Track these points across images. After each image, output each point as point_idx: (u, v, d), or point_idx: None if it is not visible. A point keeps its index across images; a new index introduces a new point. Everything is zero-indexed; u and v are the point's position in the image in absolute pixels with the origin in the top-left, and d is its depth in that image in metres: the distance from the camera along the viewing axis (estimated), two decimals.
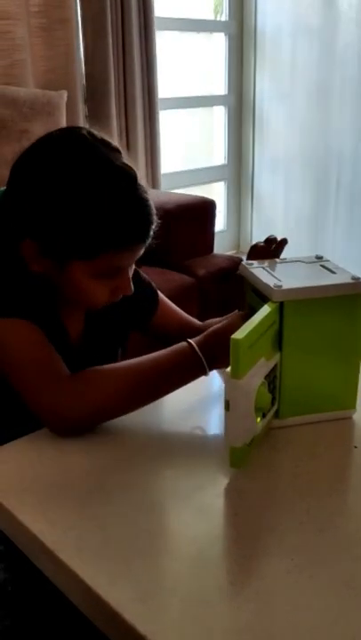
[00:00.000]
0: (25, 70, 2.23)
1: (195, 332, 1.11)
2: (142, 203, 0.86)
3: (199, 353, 0.86)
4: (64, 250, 0.85)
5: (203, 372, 0.87)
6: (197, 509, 0.72)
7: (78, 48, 2.42)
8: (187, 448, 0.85)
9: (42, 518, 0.70)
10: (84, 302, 0.94)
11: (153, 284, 1.13)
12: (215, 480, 0.78)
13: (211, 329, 0.90)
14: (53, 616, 0.82)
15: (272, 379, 0.82)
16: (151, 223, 0.87)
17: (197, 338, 0.89)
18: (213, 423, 0.94)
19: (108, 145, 0.87)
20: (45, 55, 2.34)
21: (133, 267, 0.93)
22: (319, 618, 0.57)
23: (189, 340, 0.88)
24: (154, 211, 0.88)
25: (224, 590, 0.60)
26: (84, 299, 0.92)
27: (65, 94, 2.22)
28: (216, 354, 0.87)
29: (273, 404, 0.84)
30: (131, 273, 0.92)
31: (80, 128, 0.88)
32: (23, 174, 0.86)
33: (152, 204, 0.88)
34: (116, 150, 0.88)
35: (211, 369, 0.88)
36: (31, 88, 2.23)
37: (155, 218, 0.88)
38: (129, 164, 0.87)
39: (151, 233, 0.88)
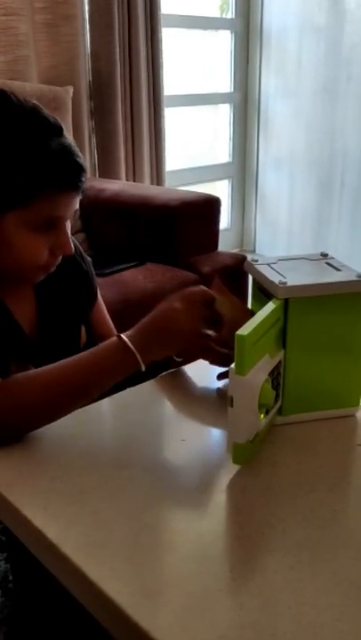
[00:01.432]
0: (29, 66, 2.23)
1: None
2: (68, 148, 0.87)
3: (131, 347, 0.82)
4: None
5: (137, 366, 0.83)
6: (200, 505, 0.72)
7: (84, 44, 2.42)
8: (190, 444, 0.85)
9: (44, 512, 0.70)
10: (25, 262, 0.91)
11: (95, 280, 1.12)
12: (218, 476, 0.78)
13: (144, 320, 0.86)
14: (54, 606, 0.82)
15: (276, 375, 0.82)
16: (80, 168, 0.88)
17: (129, 331, 0.85)
18: (216, 419, 0.94)
19: (27, 102, 0.88)
20: (50, 51, 2.34)
21: (69, 226, 0.93)
22: (322, 614, 0.57)
23: (120, 335, 0.84)
24: (82, 159, 0.89)
25: (227, 586, 0.60)
26: (24, 256, 0.89)
27: (71, 90, 2.22)
28: (152, 345, 0.84)
29: (277, 400, 0.84)
30: (68, 230, 0.92)
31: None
32: None
33: (80, 154, 0.89)
34: (37, 107, 0.89)
35: (147, 362, 0.83)
36: (35, 84, 2.23)
37: (84, 167, 0.89)
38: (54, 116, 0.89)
39: (83, 181, 0.89)
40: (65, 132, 0.88)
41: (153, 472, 0.78)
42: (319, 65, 3.19)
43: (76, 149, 0.89)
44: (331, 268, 0.88)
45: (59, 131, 0.87)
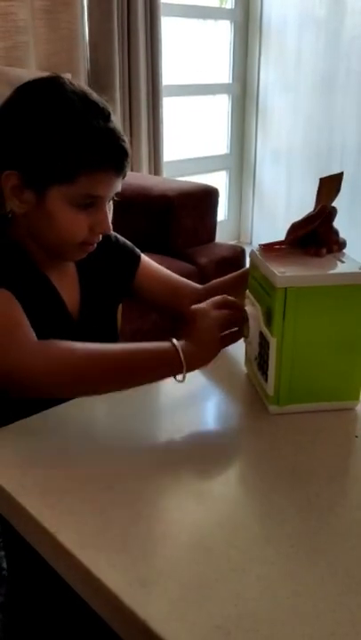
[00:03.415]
0: (27, 52, 2.21)
1: (190, 295, 1.12)
2: (113, 131, 0.91)
3: (181, 357, 0.83)
4: (43, 173, 0.89)
5: (178, 374, 0.84)
6: (198, 495, 0.72)
7: (83, 32, 2.40)
8: (188, 434, 0.85)
9: (41, 501, 0.69)
10: (65, 238, 0.93)
11: (135, 250, 1.14)
12: (215, 466, 0.78)
13: (190, 332, 0.87)
14: (49, 593, 0.82)
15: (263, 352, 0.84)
16: (124, 151, 0.92)
17: (182, 342, 0.85)
18: (214, 410, 0.94)
19: (80, 86, 0.93)
20: (49, 38, 2.32)
21: (111, 207, 0.96)
22: (319, 604, 0.57)
23: (174, 342, 0.85)
24: (127, 143, 0.93)
25: (224, 576, 0.60)
26: (65, 231, 0.92)
27: (69, 77, 2.20)
28: (196, 358, 0.85)
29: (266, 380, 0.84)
30: (110, 214, 0.95)
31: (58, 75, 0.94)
32: (3, 111, 0.92)
33: (126, 139, 0.93)
34: (88, 92, 0.93)
35: (186, 373, 0.84)
36: (33, 70, 2.21)
37: (127, 150, 0.92)
38: (104, 100, 0.93)
39: (125, 164, 0.92)
40: (112, 117, 0.92)
41: (150, 462, 0.78)
42: (318, 57, 3.18)
43: (122, 134, 0.92)
44: (334, 260, 0.88)
45: (107, 115, 0.91)
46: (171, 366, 0.84)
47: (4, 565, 0.90)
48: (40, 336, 0.87)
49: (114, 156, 0.91)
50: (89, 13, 2.42)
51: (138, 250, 1.14)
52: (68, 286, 1.01)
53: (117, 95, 2.52)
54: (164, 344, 0.85)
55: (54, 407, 0.87)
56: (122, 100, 2.57)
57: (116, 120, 0.93)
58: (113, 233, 1.12)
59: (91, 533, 0.65)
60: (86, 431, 0.84)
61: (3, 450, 0.79)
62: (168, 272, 1.16)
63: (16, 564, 0.88)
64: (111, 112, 0.92)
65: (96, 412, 0.90)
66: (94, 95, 0.92)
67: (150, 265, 1.15)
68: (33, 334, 0.86)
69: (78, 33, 2.35)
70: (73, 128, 0.88)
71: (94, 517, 0.67)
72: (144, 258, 1.14)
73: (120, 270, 1.11)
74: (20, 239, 0.96)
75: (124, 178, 0.94)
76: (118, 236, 1.13)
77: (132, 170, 2.83)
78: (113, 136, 0.90)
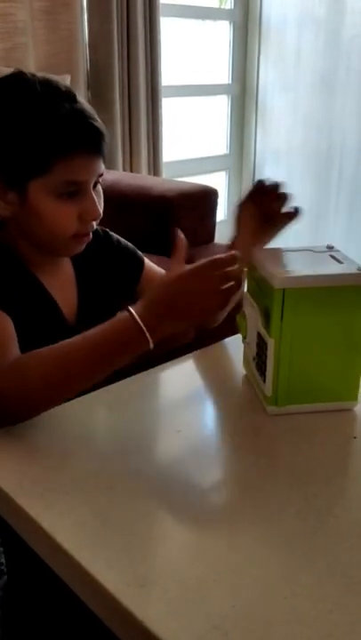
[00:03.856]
0: (26, 54, 2.21)
1: None
2: (81, 112, 0.88)
3: (142, 325, 0.76)
4: (19, 169, 0.87)
5: (146, 346, 0.77)
6: (195, 495, 0.72)
7: (83, 33, 2.40)
8: (186, 434, 0.85)
9: (39, 502, 0.69)
10: (56, 232, 0.91)
11: (138, 252, 1.14)
12: (213, 467, 0.78)
13: (155, 294, 0.79)
14: (48, 591, 0.82)
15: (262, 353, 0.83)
16: (95, 130, 0.89)
17: (138, 305, 0.78)
18: (212, 411, 0.94)
19: (38, 75, 0.91)
20: (48, 39, 2.32)
21: (101, 193, 0.94)
22: (317, 605, 0.57)
23: (131, 310, 0.77)
24: (99, 122, 0.90)
25: (223, 576, 0.60)
26: (54, 226, 0.90)
27: (68, 78, 2.20)
28: (163, 323, 0.77)
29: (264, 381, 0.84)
30: (100, 200, 0.93)
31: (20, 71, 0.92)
32: None
33: (95, 117, 0.90)
34: (48, 78, 0.91)
35: (156, 341, 0.77)
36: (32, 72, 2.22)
37: (100, 128, 0.89)
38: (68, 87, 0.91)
39: (100, 143, 0.89)
40: (79, 99, 0.89)
41: (148, 463, 0.78)
42: (318, 57, 3.18)
43: (92, 113, 0.89)
44: (333, 261, 0.88)
45: (71, 97, 0.88)
46: (134, 341, 0.77)
47: (3, 560, 0.90)
48: (34, 341, 0.86)
49: (85, 137, 0.88)
50: (88, 14, 2.43)
51: (140, 252, 1.14)
52: (64, 288, 1.01)
53: (117, 96, 2.52)
54: (121, 317, 0.78)
55: (54, 407, 0.87)
56: (121, 100, 2.57)
57: (84, 102, 0.91)
58: (115, 236, 1.12)
59: (89, 534, 0.65)
60: (86, 431, 0.84)
61: (1, 450, 0.79)
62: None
63: (15, 560, 0.89)
64: (77, 95, 0.90)
65: (95, 412, 0.90)
66: (57, 82, 0.91)
67: (153, 268, 1.15)
68: (13, 352, 0.83)
69: (78, 34, 2.35)
70: (38, 116, 0.86)
71: (93, 518, 0.67)
72: (147, 261, 1.14)
73: (124, 274, 1.10)
74: (11, 242, 0.95)
75: (104, 160, 0.91)
76: (120, 238, 1.13)
77: (131, 170, 2.85)
78: (82, 116, 0.88)
